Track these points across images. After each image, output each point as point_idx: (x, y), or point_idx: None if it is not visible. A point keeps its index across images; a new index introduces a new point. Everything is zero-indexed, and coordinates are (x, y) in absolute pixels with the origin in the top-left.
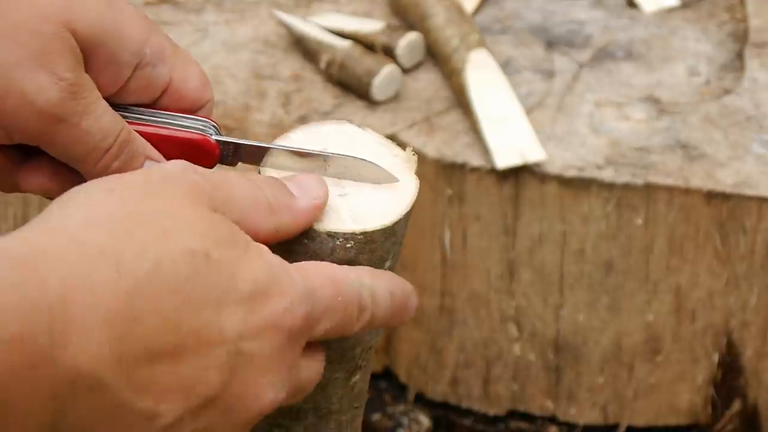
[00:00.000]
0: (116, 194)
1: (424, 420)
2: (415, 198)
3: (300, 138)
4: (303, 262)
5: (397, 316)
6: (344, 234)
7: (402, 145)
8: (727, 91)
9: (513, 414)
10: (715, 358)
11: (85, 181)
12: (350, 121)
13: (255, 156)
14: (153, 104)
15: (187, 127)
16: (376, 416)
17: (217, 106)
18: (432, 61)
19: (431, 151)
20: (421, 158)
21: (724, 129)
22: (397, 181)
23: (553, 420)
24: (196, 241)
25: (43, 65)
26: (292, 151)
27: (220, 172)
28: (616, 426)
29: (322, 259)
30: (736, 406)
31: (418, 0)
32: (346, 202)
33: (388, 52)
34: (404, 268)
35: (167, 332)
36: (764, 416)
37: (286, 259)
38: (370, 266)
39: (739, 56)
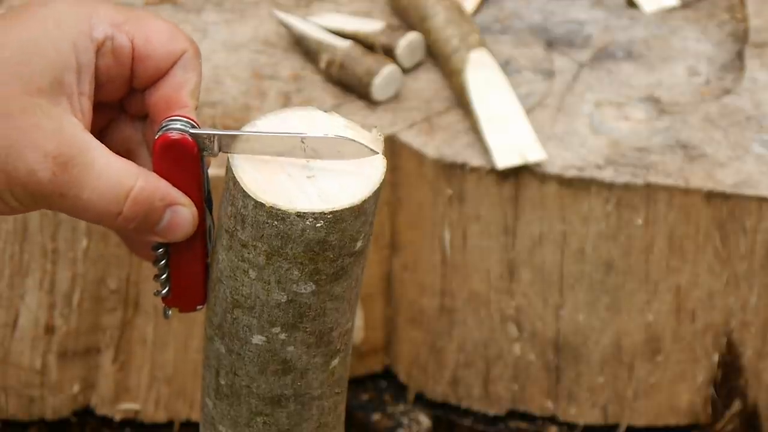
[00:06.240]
0: None
1: (424, 420)
2: (383, 177)
3: (266, 125)
4: None
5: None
6: (313, 214)
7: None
8: (727, 91)
9: (513, 414)
10: (715, 358)
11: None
12: (315, 107)
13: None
14: (130, 79)
15: (164, 127)
16: (376, 416)
17: (216, 106)
18: (432, 61)
19: (431, 151)
20: (421, 158)
21: (724, 129)
22: (377, 153)
23: (553, 420)
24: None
25: (30, 140)
26: (268, 136)
27: None
28: (616, 426)
29: (293, 240)
30: (736, 406)
31: (418, 0)
32: (315, 184)
33: (388, 52)
34: (404, 268)
35: None
36: (764, 416)
37: (257, 241)
38: (342, 247)
39: (739, 56)
